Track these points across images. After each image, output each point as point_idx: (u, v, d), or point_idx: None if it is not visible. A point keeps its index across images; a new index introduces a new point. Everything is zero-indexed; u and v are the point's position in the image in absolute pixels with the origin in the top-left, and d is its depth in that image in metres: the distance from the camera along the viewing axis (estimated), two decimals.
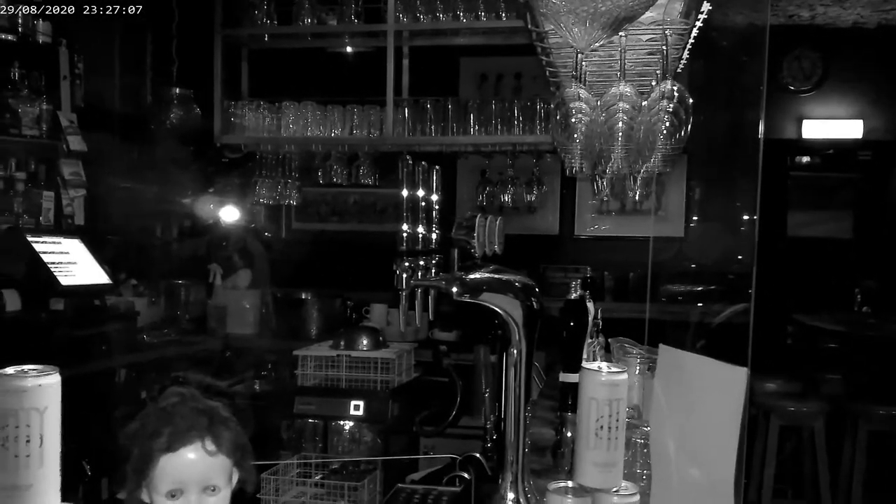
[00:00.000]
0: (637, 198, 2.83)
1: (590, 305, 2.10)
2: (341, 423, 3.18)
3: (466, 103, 3.59)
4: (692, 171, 5.55)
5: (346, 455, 3.14)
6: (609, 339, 2.20)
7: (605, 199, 3.64)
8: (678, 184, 5.60)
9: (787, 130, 5.76)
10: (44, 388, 0.98)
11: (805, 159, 5.76)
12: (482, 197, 3.99)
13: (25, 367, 0.99)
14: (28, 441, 0.96)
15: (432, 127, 3.54)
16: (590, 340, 2.11)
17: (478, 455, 1.93)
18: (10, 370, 0.97)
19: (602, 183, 2.47)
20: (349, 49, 4.11)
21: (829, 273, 5.42)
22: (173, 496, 0.91)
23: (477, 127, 3.54)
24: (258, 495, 2.90)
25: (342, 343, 3.24)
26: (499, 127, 3.53)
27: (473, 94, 5.21)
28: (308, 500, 2.95)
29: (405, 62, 3.85)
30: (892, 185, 5.57)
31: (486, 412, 2.26)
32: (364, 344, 3.22)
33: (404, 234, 1.53)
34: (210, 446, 0.93)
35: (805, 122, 5.73)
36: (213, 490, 0.93)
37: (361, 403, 3.09)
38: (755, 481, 3.94)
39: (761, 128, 1.27)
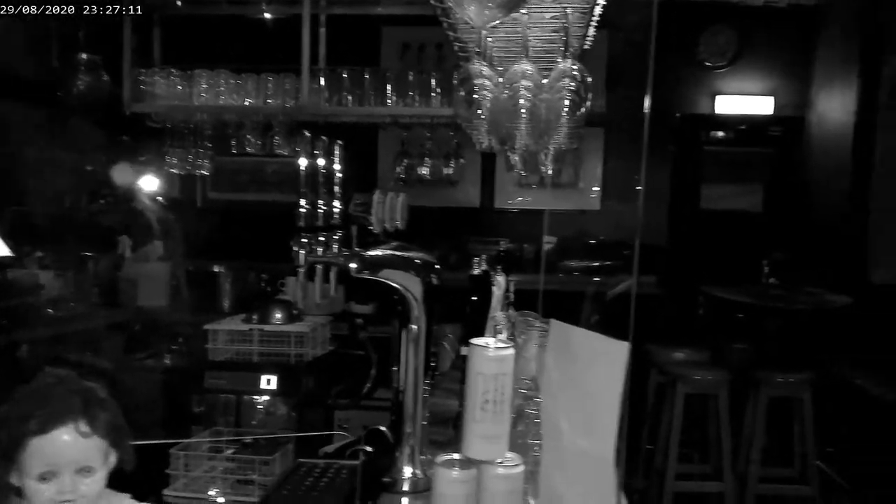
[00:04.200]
0: (549, 172, 2.88)
1: (500, 279, 2.13)
2: (254, 397, 3.16)
3: (384, 73, 3.55)
4: (609, 146, 5.65)
5: (259, 429, 3.13)
6: (514, 313, 2.24)
7: (522, 173, 3.68)
8: (596, 158, 5.70)
9: (702, 105, 5.91)
10: None
11: (719, 134, 5.91)
12: (401, 169, 3.98)
13: None
14: None
15: (350, 97, 3.50)
16: (498, 314, 2.14)
17: (382, 428, 1.95)
18: None
19: (514, 158, 2.50)
20: (267, 16, 4.03)
21: (739, 246, 5.62)
22: (45, 479, 0.90)
23: (395, 98, 3.51)
24: (167, 470, 2.87)
25: (255, 317, 3.21)
26: (417, 98, 3.51)
27: (395, 64, 5.17)
28: (219, 474, 2.93)
29: (322, 30, 3.79)
30: (801, 160, 5.79)
31: (396, 385, 2.28)
32: (277, 317, 3.19)
33: (303, 210, 1.52)
34: (84, 428, 0.92)
35: (720, 98, 5.89)
36: (88, 471, 0.92)
37: (274, 378, 3.08)
38: (662, 446, 4.08)
39: (647, 103, 1.30)
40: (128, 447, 0.99)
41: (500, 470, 1.18)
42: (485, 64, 1.78)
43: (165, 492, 2.78)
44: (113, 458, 0.97)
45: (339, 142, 1.65)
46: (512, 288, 2.26)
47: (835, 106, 5.37)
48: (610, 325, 1.50)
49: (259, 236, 4.55)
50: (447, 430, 2.01)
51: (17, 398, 0.93)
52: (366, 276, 1.55)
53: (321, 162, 1.56)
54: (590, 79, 1.74)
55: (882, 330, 4.47)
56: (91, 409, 0.94)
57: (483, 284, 2.00)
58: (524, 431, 1.63)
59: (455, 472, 1.16)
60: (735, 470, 3.91)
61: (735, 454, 3.94)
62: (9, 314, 3.16)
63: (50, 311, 3.50)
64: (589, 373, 1.32)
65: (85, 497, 0.93)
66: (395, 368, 2.40)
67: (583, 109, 1.79)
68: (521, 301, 2.32)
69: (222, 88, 3.53)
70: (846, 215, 5.08)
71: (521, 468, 1.20)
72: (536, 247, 5.32)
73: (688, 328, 4.89)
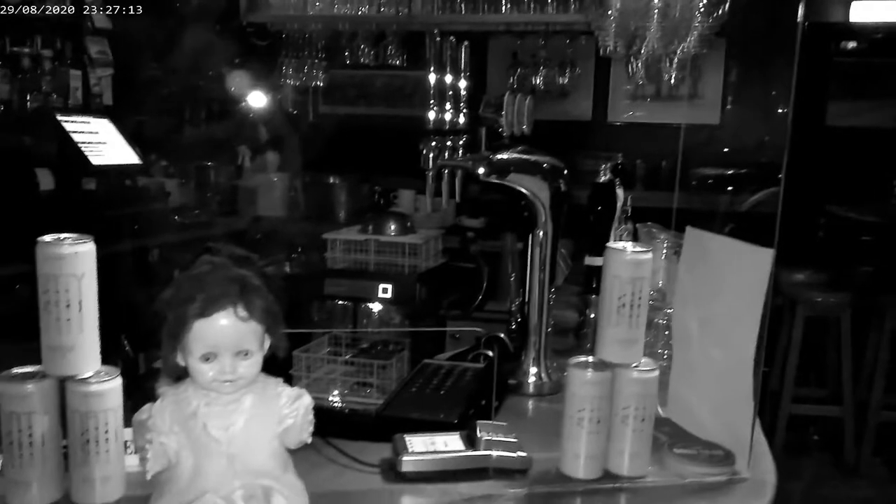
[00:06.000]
0: (672, 81, 2.76)
1: (619, 192, 2.09)
2: (370, 305, 3.23)
3: None
4: (730, 56, 5.36)
5: (374, 336, 3.20)
6: (637, 225, 2.19)
7: (641, 82, 3.54)
8: (716, 69, 5.42)
9: (833, 13, 5.51)
10: (80, 255, 1.00)
11: (851, 44, 5.52)
12: (513, 79, 3.91)
13: (62, 236, 1.02)
14: (68, 306, 1.00)
15: (462, 4, 3.42)
16: (618, 226, 2.10)
17: (502, 335, 1.97)
18: (47, 238, 1.00)
19: (637, 65, 2.40)
20: None
21: (867, 164, 5.30)
22: (207, 359, 0.95)
23: (509, 5, 3.40)
24: (290, 371, 2.99)
25: (370, 227, 3.25)
26: (531, 5, 3.40)
27: None
28: (338, 377, 3.03)
29: None
30: None
31: (511, 296, 2.30)
32: (392, 229, 3.22)
33: (431, 114, 1.51)
34: (242, 312, 0.96)
35: (854, 4, 5.47)
36: (246, 354, 0.96)
37: (389, 286, 3.13)
38: (778, 369, 3.99)
39: (801, 11, 1.21)
40: (281, 334, 1.02)
41: (635, 373, 1.17)
42: None
43: None
44: (267, 344, 1.01)
45: (466, 43, 1.62)
46: (629, 202, 2.21)
47: None
48: (742, 237, 1.44)
49: (371, 150, 4.60)
50: (567, 339, 2.01)
51: (179, 283, 0.97)
52: (493, 180, 1.54)
53: (446, 74, 1.55)
54: None
55: None
56: (247, 295, 0.97)
57: (607, 194, 1.97)
58: (652, 342, 1.61)
59: (589, 374, 1.16)
60: (854, 395, 3.79)
61: (854, 379, 3.81)
62: (140, 220, 3.32)
63: (176, 217, 3.65)
64: (729, 280, 1.29)
65: (243, 378, 0.97)
66: (511, 277, 2.42)
67: (721, 11, 1.70)
68: (639, 216, 2.27)
69: None
70: None
71: (656, 373, 1.19)
72: (649, 163, 5.17)
73: (809, 248, 4.70)
